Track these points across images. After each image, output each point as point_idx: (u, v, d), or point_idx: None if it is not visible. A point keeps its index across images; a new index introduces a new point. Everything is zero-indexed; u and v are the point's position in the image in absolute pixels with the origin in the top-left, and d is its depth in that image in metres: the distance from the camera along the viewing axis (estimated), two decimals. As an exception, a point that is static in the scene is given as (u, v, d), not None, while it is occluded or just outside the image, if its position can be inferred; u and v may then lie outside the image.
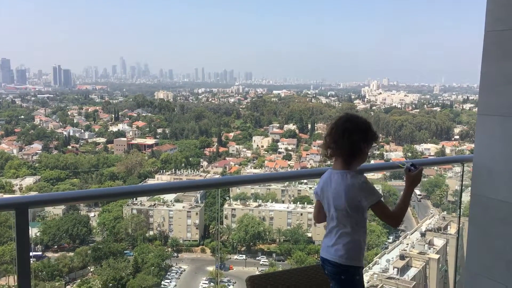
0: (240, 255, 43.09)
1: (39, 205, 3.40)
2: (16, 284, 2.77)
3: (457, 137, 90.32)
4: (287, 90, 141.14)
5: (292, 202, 48.41)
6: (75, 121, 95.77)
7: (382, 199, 2.81)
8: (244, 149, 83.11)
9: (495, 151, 3.80)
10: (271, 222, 46.08)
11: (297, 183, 49.31)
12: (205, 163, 75.54)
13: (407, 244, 33.27)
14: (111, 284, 36.19)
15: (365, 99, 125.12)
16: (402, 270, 29.71)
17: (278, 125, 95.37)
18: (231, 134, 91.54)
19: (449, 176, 54.58)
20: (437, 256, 30.30)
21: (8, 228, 39.84)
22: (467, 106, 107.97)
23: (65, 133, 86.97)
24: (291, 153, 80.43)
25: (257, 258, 43.30)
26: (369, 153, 2.97)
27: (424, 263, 30.13)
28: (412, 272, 29.68)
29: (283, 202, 49.56)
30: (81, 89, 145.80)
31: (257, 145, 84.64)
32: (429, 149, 79.62)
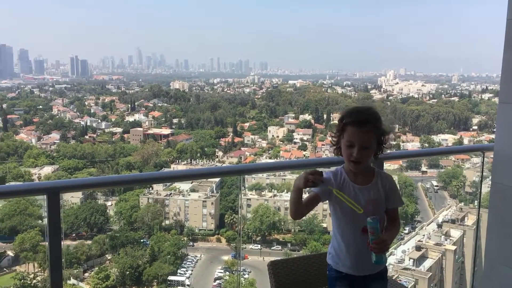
0: (255, 245, 43.31)
1: (70, 190, 3.42)
2: (46, 265, 2.85)
3: (475, 127, 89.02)
4: (303, 80, 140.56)
5: (307, 193, 48.31)
6: (92, 111, 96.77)
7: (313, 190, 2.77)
8: (260, 139, 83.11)
9: (516, 140, 3.76)
10: (286, 212, 46.12)
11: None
12: (220, 153, 75.82)
13: (423, 235, 33.08)
14: (128, 272, 36.75)
15: (382, 89, 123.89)
16: (418, 261, 29.59)
17: (293, 115, 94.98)
18: (247, 124, 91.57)
19: (467, 167, 53.95)
20: (453, 247, 30.10)
21: (28, 216, 40.67)
22: (486, 96, 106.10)
23: (82, 123, 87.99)
24: (307, 143, 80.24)
25: (272, 248, 43.50)
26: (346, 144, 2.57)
27: (441, 254, 29.97)
28: (428, 263, 29.53)
29: (298, 192, 49.41)
30: (98, 79, 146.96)
31: (273, 135, 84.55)
32: (446, 139, 78.66)
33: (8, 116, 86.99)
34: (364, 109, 2.61)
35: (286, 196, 47.12)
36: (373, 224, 2.46)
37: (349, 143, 2.55)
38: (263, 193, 47.83)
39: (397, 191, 2.74)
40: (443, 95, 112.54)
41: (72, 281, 35.70)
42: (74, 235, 43.04)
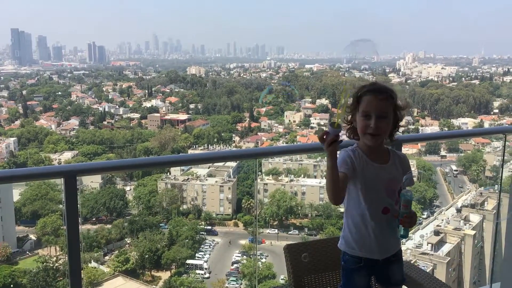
0: (272, 229, 43.53)
1: (86, 173, 3.44)
2: (66, 248, 2.87)
3: (496, 111, 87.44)
4: (320, 64, 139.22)
5: (324, 177, 48.18)
6: (110, 97, 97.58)
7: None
8: (276, 124, 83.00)
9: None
10: (303, 197, 46.18)
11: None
12: (237, 138, 75.99)
13: (442, 220, 32.84)
14: (147, 256, 37.31)
15: (400, 73, 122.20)
16: (437, 246, 29.43)
17: (310, 99, 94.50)
18: (263, 109, 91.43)
19: (487, 151, 53.17)
20: (473, 232, 29.86)
21: (49, 200, 41.45)
22: (507, 78, 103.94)
23: (100, 108, 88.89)
24: (324, 128, 79.81)
25: (289, 233, 43.66)
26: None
27: (459, 239, 29.76)
28: (446, 248, 29.37)
29: (315, 177, 49.52)
30: (115, 65, 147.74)
31: (289, 120, 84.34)
32: (466, 123, 77.53)
33: (28, 103, 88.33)
34: (379, 81, 2.57)
35: (303, 181, 47.17)
36: (408, 197, 2.36)
37: (365, 113, 2.44)
38: (280, 178, 47.89)
39: (411, 170, 2.63)
40: (463, 78, 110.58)
41: (93, 264, 36.41)
42: (94, 219, 43.81)
